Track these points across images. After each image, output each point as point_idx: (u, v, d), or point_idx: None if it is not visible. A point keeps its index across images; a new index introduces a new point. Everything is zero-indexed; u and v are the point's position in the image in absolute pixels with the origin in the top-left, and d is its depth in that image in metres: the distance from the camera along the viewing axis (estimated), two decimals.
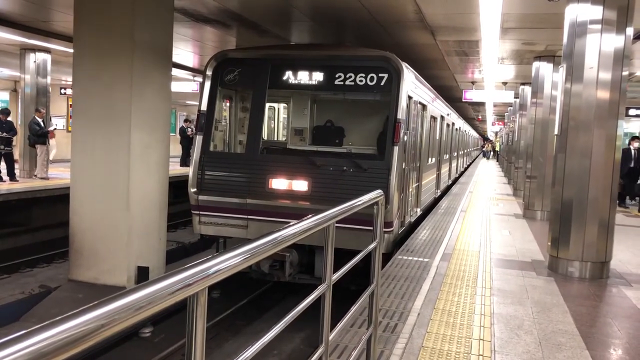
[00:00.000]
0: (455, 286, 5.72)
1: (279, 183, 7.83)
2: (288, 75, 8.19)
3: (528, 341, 4.25)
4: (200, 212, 8.11)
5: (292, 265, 7.68)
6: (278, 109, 11.79)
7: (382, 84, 7.82)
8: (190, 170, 8.20)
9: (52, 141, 14.51)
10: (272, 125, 11.93)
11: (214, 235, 8.31)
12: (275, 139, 11.71)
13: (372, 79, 7.84)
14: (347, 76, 7.92)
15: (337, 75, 7.99)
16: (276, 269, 7.69)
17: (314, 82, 8.14)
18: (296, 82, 8.19)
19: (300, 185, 7.74)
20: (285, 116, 11.40)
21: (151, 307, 1.01)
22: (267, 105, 10.50)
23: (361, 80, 7.87)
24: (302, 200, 7.69)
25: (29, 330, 0.82)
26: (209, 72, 8.33)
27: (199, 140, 8.22)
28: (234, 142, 9.16)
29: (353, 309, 2.70)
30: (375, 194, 2.91)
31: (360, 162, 7.68)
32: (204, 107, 8.28)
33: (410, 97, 8.23)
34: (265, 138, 10.59)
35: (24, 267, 10.74)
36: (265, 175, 7.87)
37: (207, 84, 8.31)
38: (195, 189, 8.11)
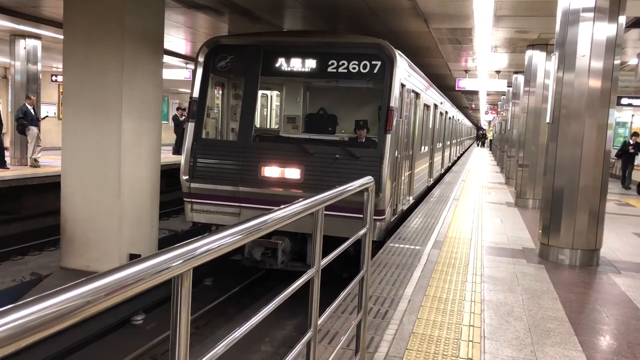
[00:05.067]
0: (447, 273, 5.75)
1: (271, 171, 7.80)
2: (281, 63, 8.14)
3: (518, 327, 4.28)
4: (192, 200, 8.09)
5: (284, 252, 7.68)
6: (271, 96, 11.73)
7: (374, 71, 7.78)
8: (182, 158, 8.16)
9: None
10: (265, 113, 11.88)
11: (206, 223, 8.28)
12: (268, 126, 11.67)
13: (365, 67, 7.80)
14: (340, 63, 7.88)
15: (330, 63, 7.95)
16: (268, 256, 7.69)
17: (306, 70, 8.09)
18: (289, 69, 8.13)
19: (293, 173, 7.72)
20: (278, 104, 11.35)
21: (135, 286, 1.01)
22: (260, 92, 10.44)
23: (354, 68, 7.83)
24: (295, 188, 7.67)
25: (14, 304, 0.82)
26: (201, 59, 8.26)
27: (191, 127, 8.18)
28: (226, 130, 9.11)
29: (342, 294, 2.71)
30: (366, 180, 2.91)
31: (352, 150, 7.67)
32: (196, 94, 8.22)
33: (403, 85, 8.21)
34: (258, 126, 10.55)
35: (15, 255, 10.70)
36: (257, 163, 7.84)
37: (199, 71, 8.25)
38: (187, 177, 8.07)
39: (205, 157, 8.08)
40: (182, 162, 8.11)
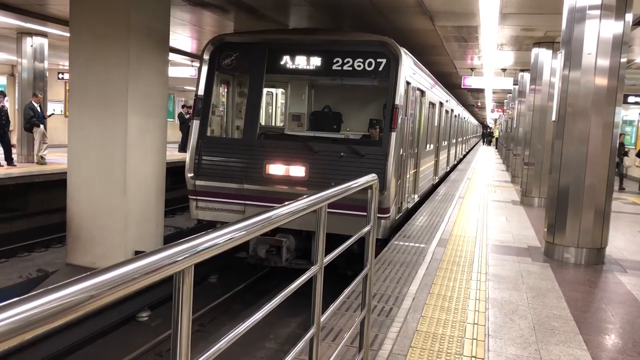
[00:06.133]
0: (451, 271, 5.74)
1: (276, 169, 7.81)
2: (286, 60, 8.12)
3: (522, 326, 4.28)
4: (197, 197, 8.11)
5: (289, 250, 7.69)
6: (276, 94, 11.72)
7: (380, 69, 7.76)
8: (187, 156, 8.17)
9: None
10: (270, 111, 11.88)
11: (211, 221, 8.30)
12: (273, 124, 11.66)
13: (370, 64, 7.77)
14: (345, 61, 7.86)
15: (335, 60, 7.92)
16: (273, 254, 7.69)
17: (311, 67, 8.08)
18: (294, 67, 8.12)
19: (297, 170, 7.72)
20: (283, 101, 11.35)
21: (136, 282, 1.02)
22: (265, 90, 10.42)
23: (359, 66, 7.80)
24: (299, 185, 7.66)
25: (18, 298, 0.83)
26: (206, 57, 8.26)
27: (196, 125, 8.18)
28: (232, 127, 9.12)
29: (346, 291, 2.71)
30: (370, 177, 2.91)
31: (357, 148, 7.64)
32: (201, 91, 8.23)
33: (408, 83, 8.19)
34: (263, 123, 10.54)
35: (21, 251, 10.76)
36: (262, 161, 7.84)
37: (204, 69, 8.25)
38: (192, 174, 8.09)
39: (210, 155, 8.09)
40: (187, 159, 8.12)
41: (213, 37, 8.58)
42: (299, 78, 9.82)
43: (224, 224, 1.44)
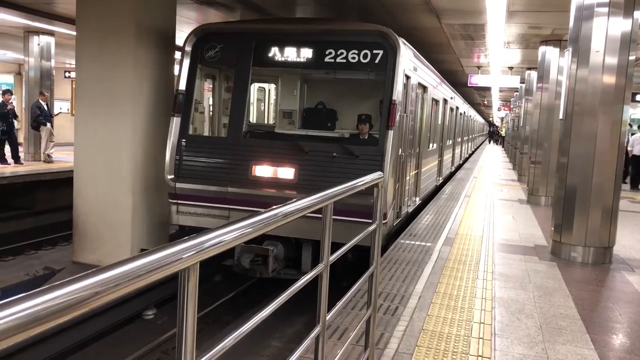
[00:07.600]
0: (457, 270, 5.72)
1: (262, 170, 7.15)
2: (274, 52, 7.44)
3: (529, 325, 4.26)
4: (178, 201, 7.48)
5: (277, 259, 7.08)
6: (269, 90, 10.95)
7: (376, 61, 7.10)
8: (166, 155, 7.48)
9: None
10: (263, 108, 11.17)
11: (193, 226, 7.56)
12: (265, 122, 10.95)
13: (365, 56, 7.13)
14: (339, 53, 7.22)
15: (327, 52, 7.27)
16: (258, 263, 7.02)
17: (303, 60, 7.41)
18: (283, 59, 7.42)
19: (286, 172, 7.08)
20: (274, 97, 10.56)
21: (142, 279, 1.01)
22: (256, 85, 9.81)
23: (354, 58, 7.16)
24: (288, 189, 7.01)
25: (24, 294, 0.83)
26: (188, 48, 7.57)
27: (176, 122, 7.51)
28: (216, 125, 8.53)
29: (352, 290, 2.70)
30: (376, 175, 2.90)
31: (351, 148, 6.97)
32: (182, 86, 7.54)
33: (408, 77, 7.68)
34: (255, 121, 10.00)
35: (28, 249, 10.82)
36: (248, 162, 7.18)
37: (186, 62, 7.58)
38: (172, 176, 7.44)
39: (192, 155, 7.47)
40: (167, 159, 7.48)
41: (196, 27, 7.92)
42: (290, 72, 8.99)
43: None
